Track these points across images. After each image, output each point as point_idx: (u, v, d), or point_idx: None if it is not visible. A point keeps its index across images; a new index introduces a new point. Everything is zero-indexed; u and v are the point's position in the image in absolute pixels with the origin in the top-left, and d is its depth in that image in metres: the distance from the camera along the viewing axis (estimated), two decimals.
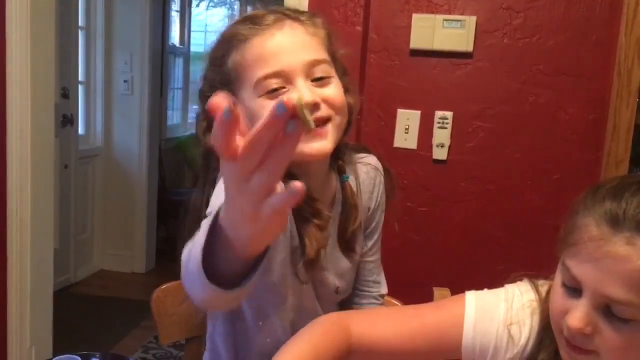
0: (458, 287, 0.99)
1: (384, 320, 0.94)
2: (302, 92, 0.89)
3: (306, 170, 0.94)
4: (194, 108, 5.93)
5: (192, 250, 0.64)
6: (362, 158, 1.13)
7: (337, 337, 0.89)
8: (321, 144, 0.92)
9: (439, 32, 1.91)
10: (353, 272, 1.14)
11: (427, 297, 1.25)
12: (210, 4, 6.62)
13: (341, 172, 1.07)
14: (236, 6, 6.50)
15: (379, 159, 1.16)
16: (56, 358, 0.86)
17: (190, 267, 0.64)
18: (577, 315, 0.73)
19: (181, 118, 5.48)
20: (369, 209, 1.13)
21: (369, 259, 1.17)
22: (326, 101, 0.93)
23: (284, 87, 0.91)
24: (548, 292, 0.88)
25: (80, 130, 3.80)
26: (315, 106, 0.91)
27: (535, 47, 1.88)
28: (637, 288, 0.69)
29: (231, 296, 0.63)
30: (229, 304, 0.79)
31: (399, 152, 2.00)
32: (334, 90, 0.94)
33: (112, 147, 4.00)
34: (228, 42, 0.95)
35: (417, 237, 2.03)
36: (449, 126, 1.97)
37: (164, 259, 4.21)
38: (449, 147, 1.98)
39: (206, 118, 0.98)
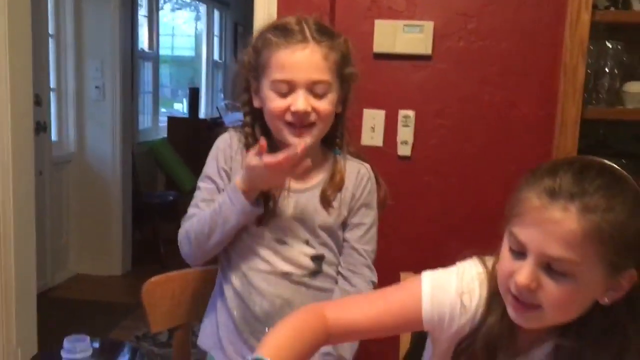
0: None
1: (353, 305, 1.07)
2: (299, 101, 1.19)
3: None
4: (163, 112, 5.99)
5: (219, 209, 1.20)
6: (358, 160, 1.36)
7: (315, 322, 1.02)
8: (300, 140, 1.19)
9: (400, 37, 2.05)
10: (332, 236, 1.29)
11: (396, 281, 1.38)
12: (175, 6, 6.67)
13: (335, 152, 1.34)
14: (202, 8, 6.57)
15: (375, 172, 1.38)
16: (67, 338, 0.95)
17: (223, 212, 1.19)
18: (523, 273, 0.87)
19: (152, 122, 5.53)
20: (353, 196, 1.30)
21: (360, 246, 1.33)
22: (315, 110, 1.21)
23: (289, 93, 1.20)
24: (494, 264, 1.02)
25: (53, 136, 3.85)
26: (306, 113, 1.20)
27: (489, 50, 2.03)
28: (572, 246, 0.84)
29: (256, 213, 1.20)
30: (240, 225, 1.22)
31: (366, 150, 2.09)
32: (324, 105, 1.22)
33: (85, 152, 4.05)
34: (265, 40, 1.23)
35: (385, 229, 2.16)
36: (412, 124, 2.11)
37: (139, 261, 4.27)
38: (413, 144, 2.11)
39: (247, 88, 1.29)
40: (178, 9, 6.82)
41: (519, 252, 0.89)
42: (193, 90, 5.90)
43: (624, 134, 2.21)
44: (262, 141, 1.16)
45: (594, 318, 0.93)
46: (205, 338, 1.35)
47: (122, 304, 3.55)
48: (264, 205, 1.23)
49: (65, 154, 3.96)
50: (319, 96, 1.21)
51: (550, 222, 0.85)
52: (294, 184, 1.27)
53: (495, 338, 0.98)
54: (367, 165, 1.37)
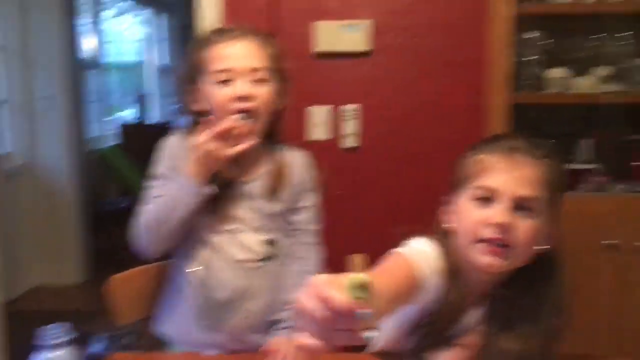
0: (374, 254, 1.15)
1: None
2: (239, 86, 1.28)
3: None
4: (109, 120, 5.95)
5: (167, 197, 1.28)
6: (295, 149, 1.46)
7: None
8: (241, 146, 1.28)
9: (340, 36, 2.17)
10: (281, 220, 1.39)
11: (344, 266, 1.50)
12: (119, 12, 6.61)
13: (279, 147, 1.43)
14: (147, 13, 6.53)
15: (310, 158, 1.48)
16: (45, 327, 1.02)
17: (172, 200, 1.27)
18: (500, 214, 1.02)
19: (102, 130, 5.50)
20: (298, 182, 1.41)
21: (309, 228, 1.43)
22: (256, 96, 1.29)
23: (230, 80, 1.29)
24: (439, 241, 1.13)
25: (4, 148, 3.82)
26: (247, 98, 1.28)
27: (423, 44, 2.18)
28: (535, 186, 1.03)
29: (206, 192, 1.27)
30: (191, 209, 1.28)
31: (314, 144, 2.24)
32: (263, 90, 1.31)
33: (36, 163, 4.02)
34: (202, 41, 1.35)
35: (335, 217, 2.28)
36: (357, 118, 2.24)
37: (100, 269, 4.27)
38: (358, 136, 2.25)
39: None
40: (122, 14, 6.77)
41: (487, 202, 1.04)
42: (141, 95, 5.90)
43: (550, 117, 2.39)
44: (211, 118, 1.27)
45: (524, 270, 1.08)
46: (166, 328, 1.42)
47: (84, 312, 3.55)
48: (215, 194, 1.30)
49: (17, 166, 3.93)
50: (258, 83, 1.30)
51: (516, 169, 1.04)
52: (242, 174, 1.35)
53: (455, 312, 1.10)
54: (305, 152, 1.48)
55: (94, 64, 5.30)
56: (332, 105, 2.24)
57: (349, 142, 2.24)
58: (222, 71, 1.29)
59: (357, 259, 1.58)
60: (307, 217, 1.43)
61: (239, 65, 1.29)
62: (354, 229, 2.26)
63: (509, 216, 1.02)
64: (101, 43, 5.44)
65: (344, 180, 2.27)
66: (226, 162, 1.28)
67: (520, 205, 1.03)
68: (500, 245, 1.04)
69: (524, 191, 1.03)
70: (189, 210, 1.28)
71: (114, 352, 1.23)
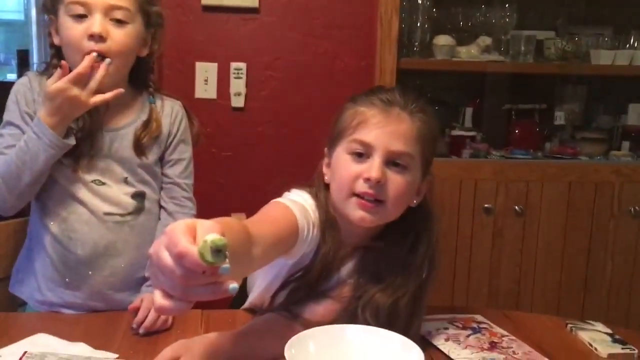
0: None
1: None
2: (94, 23, 1.17)
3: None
4: None
5: (27, 145, 1.15)
6: (171, 98, 1.38)
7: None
8: (104, 96, 1.18)
9: None
10: (150, 173, 1.32)
11: None
12: None
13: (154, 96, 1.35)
14: None
15: (187, 109, 1.41)
16: None
17: (31, 149, 1.15)
18: (374, 168, 1.02)
19: None
20: (169, 133, 1.34)
21: (181, 181, 1.36)
22: (111, 38, 1.19)
23: (85, 16, 1.18)
24: (315, 195, 1.12)
25: None
26: (100, 38, 1.17)
27: (313, 3, 2.15)
28: (409, 142, 1.04)
29: (67, 146, 1.18)
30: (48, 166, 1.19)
31: (200, 102, 2.16)
32: (121, 34, 1.20)
33: None
34: None
35: (223, 180, 2.23)
36: (244, 76, 2.17)
37: None
38: (246, 95, 2.18)
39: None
40: None
41: (361, 156, 1.04)
42: (22, 52, 5.48)
43: (436, 84, 2.45)
44: (63, 62, 1.14)
45: (395, 222, 1.09)
46: (23, 288, 1.31)
47: None
48: (76, 145, 1.21)
49: None
50: (117, 23, 1.20)
51: (391, 124, 1.04)
52: (107, 123, 1.27)
53: (328, 264, 1.09)
54: (179, 102, 1.39)
55: None
56: (219, 63, 2.16)
57: (235, 102, 2.18)
58: (76, 3, 1.18)
59: (238, 217, 1.56)
60: (180, 170, 1.36)
61: (98, 1, 1.18)
62: (240, 188, 2.22)
63: (381, 171, 1.02)
64: None
65: (231, 140, 2.21)
66: (86, 110, 1.18)
67: (393, 160, 1.04)
68: (372, 200, 1.03)
69: (398, 146, 1.03)
70: (46, 163, 1.17)
71: None
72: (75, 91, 1.13)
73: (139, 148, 1.29)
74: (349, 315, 1.06)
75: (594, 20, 2.43)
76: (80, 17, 1.18)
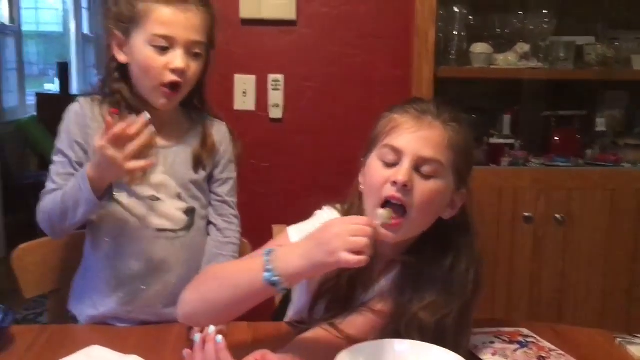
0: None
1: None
2: (178, 58, 1.22)
3: (156, 112, 1.25)
4: (31, 91, 5.66)
5: (65, 196, 1.18)
6: (217, 120, 1.43)
7: None
8: (167, 103, 1.26)
9: (265, 3, 2.12)
10: (201, 189, 1.36)
11: (269, 234, 1.48)
12: None
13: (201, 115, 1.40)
14: None
15: (231, 130, 1.46)
16: None
17: (69, 200, 1.17)
18: (402, 172, 1.02)
19: (18, 100, 5.22)
20: (219, 152, 1.39)
21: (230, 199, 1.41)
22: (190, 71, 1.25)
23: (168, 48, 1.22)
24: (348, 208, 1.14)
25: None
26: (183, 72, 1.23)
27: (349, 15, 2.16)
28: (439, 149, 1.04)
29: (102, 206, 1.22)
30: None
31: (239, 114, 2.19)
32: (195, 66, 1.27)
33: None
34: None
35: (262, 190, 2.26)
36: (282, 88, 2.20)
37: (15, 245, 4.06)
38: (284, 106, 2.21)
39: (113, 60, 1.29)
40: None
41: (392, 163, 1.05)
42: (62, 65, 5.62)
43: (473, 91, 2.44)
44: (108, 120, 1.11)
45: (432, 236, 1.09)
46: (77, 304, 1.35)
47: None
48: (110, 199, 1.24)
49: None
50: (194, 57, 1.25)
51: (423, 130, 1.05)
52: (160, 141, 1.30)
53: (357, 272, 1.10)
54: (224, 124, 1.44)
55: (9, 30, 5.00)
56: (257, 75, 2.19)
57: (273, 113, 2.20)
58: (162, 37, 1.21)
59: (279, 229, 1.57)
60: (229, 189, 1.41)
61: (180, 36, 1.22)
62: (278, 199, 2.24)
63: (409, 175, 1.02)
64: (18, 9, 5.13)
65: (270, 151, 2.23)
66: (123, 174, 1.16)
67: (422, 166, 1.04)
68: (398, 206, 1.03)
69: (427, 152, 1.03)
70: (85, 214, 1.20)
71: (15, 324, 1.15)
72: (112, 152, 1.09)
73: (198, 163, 1.33)
74: (391, 332, 1.06)
75: (635, 25, 2.39)
76: (163, 49, 1.22)
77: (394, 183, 1.02)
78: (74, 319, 1.37)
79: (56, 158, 1.27)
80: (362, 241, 0.92)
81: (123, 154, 1.09)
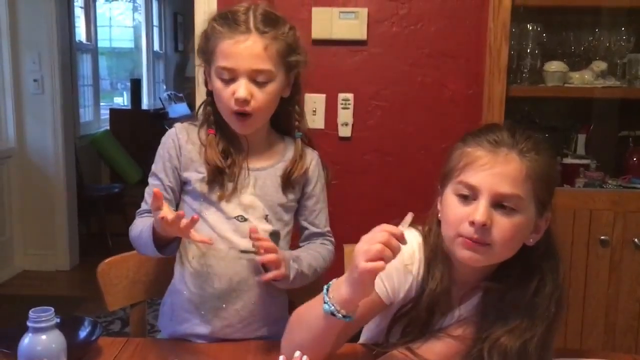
0: None
1: None
2: (240, 89, 1.24)
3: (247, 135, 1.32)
4: (103, 105, 5.91)
5: (142, 234, 1.24)
6: (309, 147, 1.44)
7: None
8: (241, 128, 1.30)
9: (336, 23, 2.15)
10: (286, 213, 1.37)
11: (339, 254, 1.51)
12: None
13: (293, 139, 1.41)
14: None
15: (320, 157, 1.46)
16: (32, 310, 1.01)
17: (143, 240, 1.23)
18: (480, 212, 1.00)
19: (93, 115, 5.46)
20: (309, 180, 1.40)
21: (323, 230, 1.44)
22: (254, 99, 1.25)
23: (232, 80, 1.25)
24: (426, 232, 1.14)
25: None
26: (245, 101, 1.24)
27: (420, 34, 2.16)
28: (517, 183, 1.01)
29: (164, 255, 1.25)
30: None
31: (309, 132, 2.21)
32: (262, 94, 1.26)
33: (25, 147, 3.98)
34: (213, 28, 1.29)
35: (331, 208, 2.26)
36: (351, 106, 2.22)
37: (87, 255, 4.25)
38: (352, 125, 2.23)
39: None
40: (114, 0, 6.71)
41: (468, 198, 1.03)
42: (135, 81, 5.85)
43: (546, 110, 2.38)
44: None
45: (516, 261, 1.07)
46: (164, 316, 1.39)
47: (71, 297, 3.53)
48: (222, 182, 1.29)
49: (5, 149, 3.89)
50: (260, 85, 1.25)
51: (498, 165, 1.02)
52: (252, 163, 1.33)
53: (436, 298, 1.10)
54: (316, 152, 1.45)
55: (86, 48, 5.25)
56: (327, 94, 2.22)
57: (342, 132, 2.22)
58: (224, 69, 1.25)
59: (350, 249, 1.58)
60: (323, 218, 1.43)
61: (241, 66, 1.24)
62: (349, 216, 2.24)
63: (487, 214, 1.00)
64: (94, 27, 5.38)
65: (339, 169, 2.25)
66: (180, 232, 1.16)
67: (500, 203, 1.01)
68: (481, 242, 1.02)
69: (505, 189, 1.01)
70: (155, 255, 1.26)
71: (100, 336, 1.20)
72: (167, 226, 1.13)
73: (288, 184, 1.35)
74: (472, 357, 1.05)
75: None
76: (228, 81, 1.26)
77: (472, 223, 1.01)
78: (151, 328, 1.41)
79: (151, 180, 1.33)
80: (374, 248, 0.93)
81: (158, 215, 1.12)
